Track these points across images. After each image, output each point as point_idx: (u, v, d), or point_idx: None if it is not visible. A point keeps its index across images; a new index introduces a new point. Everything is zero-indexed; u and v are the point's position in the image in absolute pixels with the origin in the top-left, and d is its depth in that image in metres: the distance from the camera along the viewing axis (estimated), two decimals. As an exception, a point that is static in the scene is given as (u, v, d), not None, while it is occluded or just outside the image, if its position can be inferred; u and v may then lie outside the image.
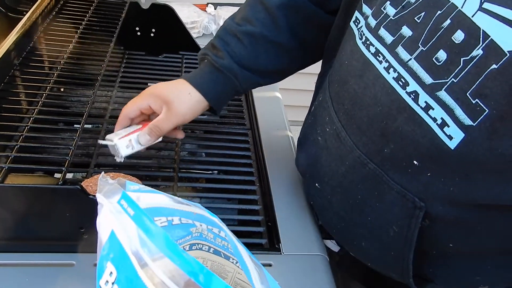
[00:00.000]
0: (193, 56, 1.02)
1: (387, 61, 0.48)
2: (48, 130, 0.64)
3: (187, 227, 0.36)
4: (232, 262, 0.37)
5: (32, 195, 0.50)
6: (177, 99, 0.64)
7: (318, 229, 0.66)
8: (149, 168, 0.72)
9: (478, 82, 0.41)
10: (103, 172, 0.35)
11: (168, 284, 0.25)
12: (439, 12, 0.44)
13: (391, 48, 0.48)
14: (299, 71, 0.74)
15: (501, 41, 0.40)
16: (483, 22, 0.41)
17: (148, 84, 0.97)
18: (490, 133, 0.42)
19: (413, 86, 0.45)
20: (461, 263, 0.55)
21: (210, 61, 0.67)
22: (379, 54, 0.49)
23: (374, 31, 0.50)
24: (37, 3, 0.81)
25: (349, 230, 0.59)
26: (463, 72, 0.42)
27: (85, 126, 0.76)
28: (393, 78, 0.47)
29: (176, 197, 0.35)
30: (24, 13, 0.89)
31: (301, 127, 0.71)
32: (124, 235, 0.28)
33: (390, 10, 0.49)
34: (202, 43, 1.05)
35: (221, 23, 1.11)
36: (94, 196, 0.52)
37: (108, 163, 0.69)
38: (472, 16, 0.42)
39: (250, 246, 0.43)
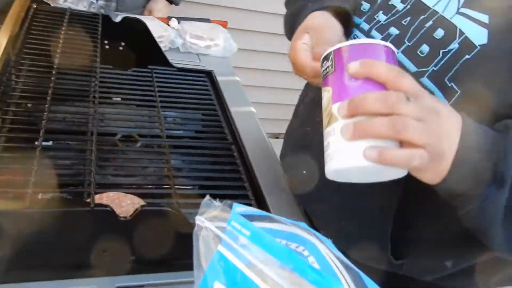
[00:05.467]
0: (162, 70, 1.01)
1: None
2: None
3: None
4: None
5: (61, 220, 0.48)
6: (318, 24, 0.59)
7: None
8: (146, 186, 0.71)
9: (454, 69, 0.50)
10: (208, 195, 0.36)
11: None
12: (422, 16, 0.55)
13: None
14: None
15: (473, 37, 0.50)
16: (460, 22, 0.51)
17: (113, 98, 0.95)
18: (458, 109, 0.49)
19: None
20: (429, 240, 0.60)
21: None
22: None
23: (366, 33, 0.59)
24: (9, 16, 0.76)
25: (332, 211, 0.65)
26: (442, 61, 0.51)
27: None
28: None
29: (279, 217, 0.36)
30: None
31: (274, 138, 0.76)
32: (237, 256, 0.30)
33: (382, 17, 0.58)
34: (168, 57, 1.05)
35: (187, 38, 1.12)
36: (125, 217, 0.51)
37: (108, 182, 0.67)
38: (451, 18, 0.52)
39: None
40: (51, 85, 0.67)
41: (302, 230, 0.37)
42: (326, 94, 0.46)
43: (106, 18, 0.91)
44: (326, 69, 0.47)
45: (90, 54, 0.78)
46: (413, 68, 0.54)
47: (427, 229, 0.58)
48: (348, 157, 0.41)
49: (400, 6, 0.57)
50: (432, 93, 0.52)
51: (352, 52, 0.45)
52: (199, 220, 0.33)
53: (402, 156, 0.41)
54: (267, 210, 0.72)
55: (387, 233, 0.59)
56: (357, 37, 0.61)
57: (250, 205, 0.73)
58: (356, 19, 0.62)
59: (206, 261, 0.32)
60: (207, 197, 0.35)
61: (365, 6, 0.62)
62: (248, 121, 0.94)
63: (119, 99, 0.96)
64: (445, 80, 0.51)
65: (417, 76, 0.53)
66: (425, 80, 0.53)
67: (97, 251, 0.52)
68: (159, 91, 0.95)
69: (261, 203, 0.73)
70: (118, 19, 0.91)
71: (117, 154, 0.78)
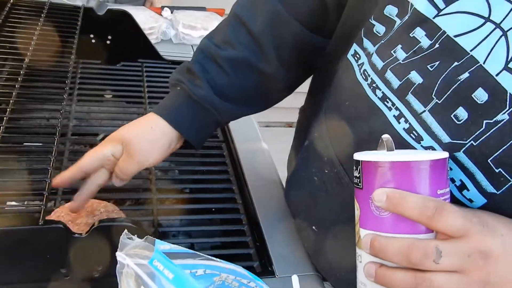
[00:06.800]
0: (153, 63, 0.96)
1: (397, 109, 0.44)
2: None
3: (210, 277, 0.32)
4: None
5: (9, 238, 0.44)
6: (135, 138, 0.57)
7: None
8: (123, 190, 0.67)
9: (501, 149, 0.38)
10: (126, 230, 0.30)
11: None
12: (456, 63, 0.40)
13: (400, 94, 0.44)
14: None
15: None
16: (510, 84, 0.37)
17: (104, 95, 0.91)
18: None
19: (428, 141, 0.42)
20: None
21: (186, 90, 0.59)
22: (387, 100, 0.45)
23: (380, 73, 0.46)
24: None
25: (349, 273, 0.52)
26: (485, 136, 0.38)
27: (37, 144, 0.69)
28: (404, 129, 0.43)
29: (213, 258, 0.31)
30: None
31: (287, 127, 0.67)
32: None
33: (400, 54, 0.44)
34: (160, 49, 1.00)
35: (180, 28, 1.06)
36: (80, 234, 0.47)
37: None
38: (497, 75, 0.38)
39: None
40: (16, 85, 0.62)
41: (243, 270, 0.31)
42: (356, 209, 0.41)
43: (89, 11, 0.86)
44: (355, 178, 0.40)
45: (67, 49, 0.73)
46: (445, 138, 0.41)
47: None
48: None
49: (425, 42, 0.42)
50: (472, 174, 0.40)
51: (383, 170, 0.37)
52: (120, 256, 0.28)
53: None
54: (255, 213, 0.66)
55: None
56: (368, 73, 0.47)
57: (237, 210, 0.68)
58: (367, 44, 0.49)
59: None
60: (125, 232, 0.30)
61: (379, 28, 0.48)
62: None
63: (111, 96, 0.92)
64: (489, 161, 0.39)
65: (451, 149, 0.40)
66: (461, 155, 0.40)
67: (55, 269, 0.48)
68: (148, 86, 0.90)
69: (249, 206, 0.68)
70: (101, 11, 0.86)
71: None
